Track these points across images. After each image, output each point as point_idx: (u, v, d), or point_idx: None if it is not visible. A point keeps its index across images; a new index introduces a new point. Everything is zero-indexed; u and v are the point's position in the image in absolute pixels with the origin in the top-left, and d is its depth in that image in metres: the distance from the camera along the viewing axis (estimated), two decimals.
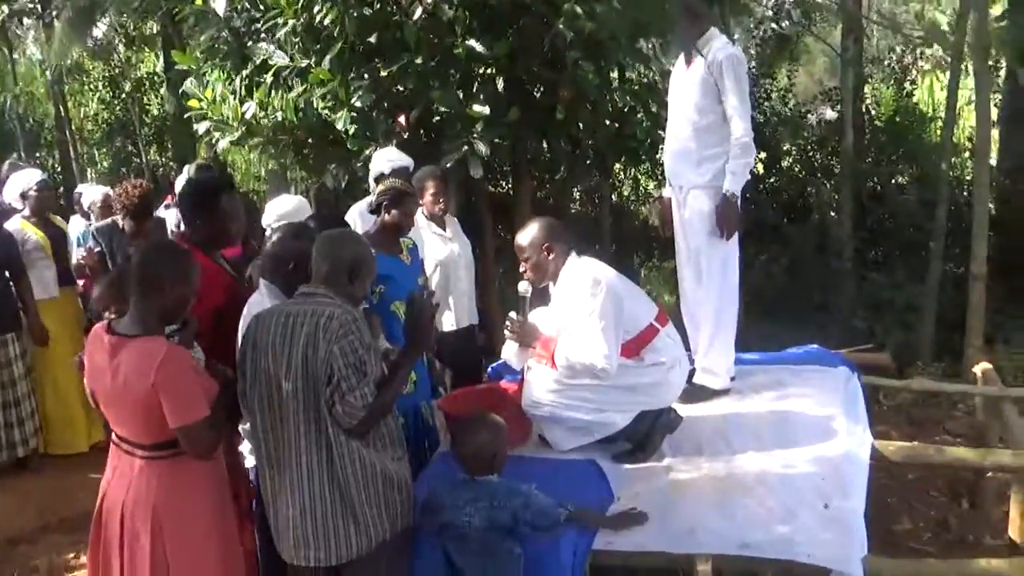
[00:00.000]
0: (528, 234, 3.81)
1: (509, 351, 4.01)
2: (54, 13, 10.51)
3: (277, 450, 2.79)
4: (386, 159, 4.95)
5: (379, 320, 3.16)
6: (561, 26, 5.26)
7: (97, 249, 5.72)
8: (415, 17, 5.27)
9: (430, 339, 3.02)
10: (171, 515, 2.79)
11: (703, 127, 4.30)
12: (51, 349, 5.89)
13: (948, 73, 9.92)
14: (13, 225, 5.83)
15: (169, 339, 2.82)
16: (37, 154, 12.83)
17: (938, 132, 9.84)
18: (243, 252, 6.42)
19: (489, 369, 5.12)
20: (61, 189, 8.29)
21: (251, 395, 2.82)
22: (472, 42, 5.38)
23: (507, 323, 3.89)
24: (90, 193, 6.65)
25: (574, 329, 3.68)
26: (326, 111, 5.86)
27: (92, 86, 12.64)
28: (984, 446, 5.43)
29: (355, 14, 5.36)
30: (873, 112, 9.97)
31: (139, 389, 2.66)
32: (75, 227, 6.61)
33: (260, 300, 3.16)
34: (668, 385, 3.77)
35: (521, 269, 3.86)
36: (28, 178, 6.02)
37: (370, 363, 2.74)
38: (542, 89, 6.12)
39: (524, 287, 3.84)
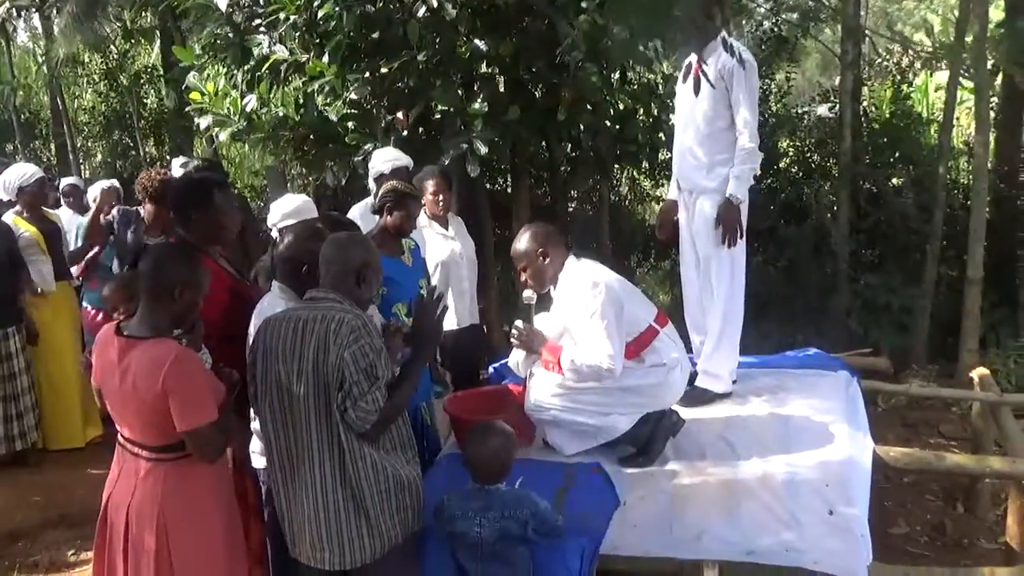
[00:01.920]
0: (522, 243, 3.81)
1: (516, 359, 4.01)
2: (55, 7, 10.47)
3: (289, 453, 2.80)
4: (385, 159, 4.92)
5: (401, 334, 3.15)
6: (566, 28, 5.26)
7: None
8: (419, 15, 5.26)
9: (438, 340, 3.03)
10: (177, 518, 2.78)
11: (712, 133, 4.32)
12: (47, 343, 5.89)
13: (943, 75, 9.99)
14: (5, 220, 5.81)
15: (177, 342, 2.82)
16: (32, 146, 12.77)
17: (934, 135, 9.87)
18: (242, 246, 6.48)
19: (491, 369, 5.13)
20: (57, 182, 8.23)
21: (262, 399, 2.83)
22: (476, 42, 5.38)
23: (513, 332, 3.90)
24: (92, 190, 6.62)
25: (576, 332, 3.68)
26: (324, 106, 5.86)
27: (89, 78, 12.57)
28: (980, 450, 5.48)
29: (357, 11, 5.35)
30: (870, 114, 9.97)
31: (148, 391, 2.66)
32: (68, 221, 6.55)
33: (273, 302, 3.16)
34: (670, 386, 3.78)
35: (522, 279, 3.85)
36: (25, 173, 5.96)
37: (380, 367, 2.74)
38: (544, 90, 6.13)
39: (528, 295, 3.84)
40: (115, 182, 6.66)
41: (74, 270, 6.07)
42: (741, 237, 4.38)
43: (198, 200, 3.43)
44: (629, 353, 3.68)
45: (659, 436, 3.80)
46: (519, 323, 3.89)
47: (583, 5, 5.35)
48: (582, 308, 3.64)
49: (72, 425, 6.03)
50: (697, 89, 4.15)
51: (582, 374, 3.64)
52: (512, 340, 3.92)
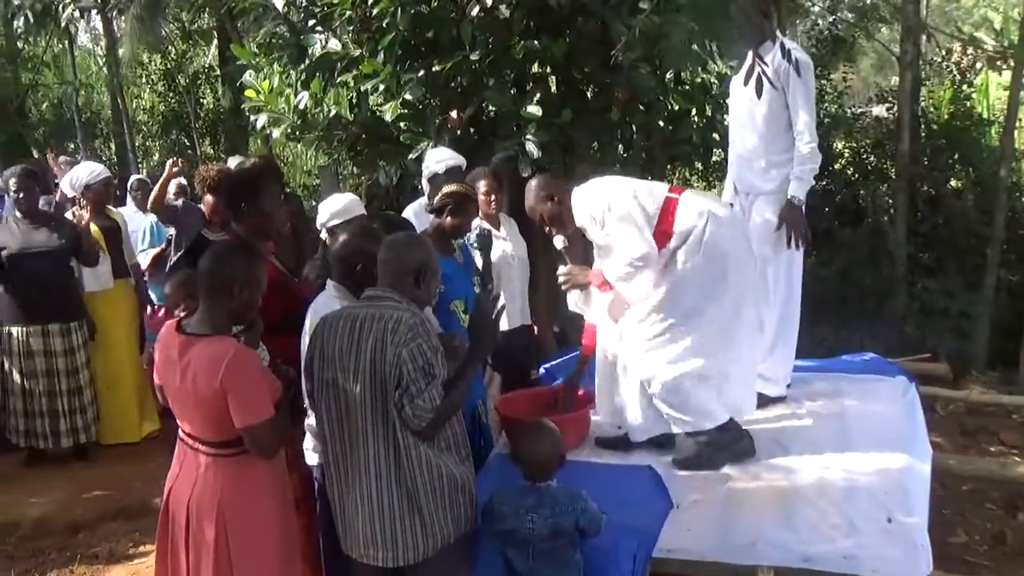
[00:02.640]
0: (528, 199, 3.94)
1: (573, 300, 4.10)
2: (117, 7, 10.70)
3: (344, 451, 2.82)
4: (439, 159, 4.92)
5: (463, 344, 3.18)
6: (620, 28, 5.23)
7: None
8: (472, 14, 5.27)
9: (495, 341, 3.03)
10: (235, 512, 2.82)
11: (770, 134, 4.30)
12: (104, 340, 6.00)
13: (1005, 75, 9.77)
14: (68, 217, 5.95)
15: (236, 339, 2.86)
16: (93, 144, 13.06)
17: (995, 136, 9.66)
18: (295, 246, 6.54)
19: (541, 370, 5.13)
20: (117, 180, 8.42)
21: (318, 397, 2.85)
22: (529, 42, 5.37)
23: (559, 278, 3.98)
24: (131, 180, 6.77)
25: (607, 243, 3.75)
26: (378, 106, 5.89)
27: (148, 79, 12.81)
28: None
29: (411, 10, 5.38)
30: (929, 115, 9.79)
31: (207, 388, 2.70)
32: (132, 219, 6.68)
33: (328, 301, 3.18)
34: (716, 246, 3.69)
35: (546, 231, 3.98)
36: (93, 171, 6.10)
37: (437, 365, 2.75)
38: (596, 89, 6.10)
39: (559, 241, 3.96)
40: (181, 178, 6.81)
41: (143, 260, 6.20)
42: (806, 240, 4.34)
43: (247, 191, 3.48)
44: (660, 238, 3.70)
45: (722, 457, 3.75)
46: (561, 268, 3.98)
47: (641, 5, 5.32)
48: (600, 218, 3.73)
49: (128, 420, 6.14)
50: (760, 91, 4.12)
51: (627, 274, 3.69)
52: (563, 287, 4.00)
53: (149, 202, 5.91)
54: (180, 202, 5.99)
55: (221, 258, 2.86)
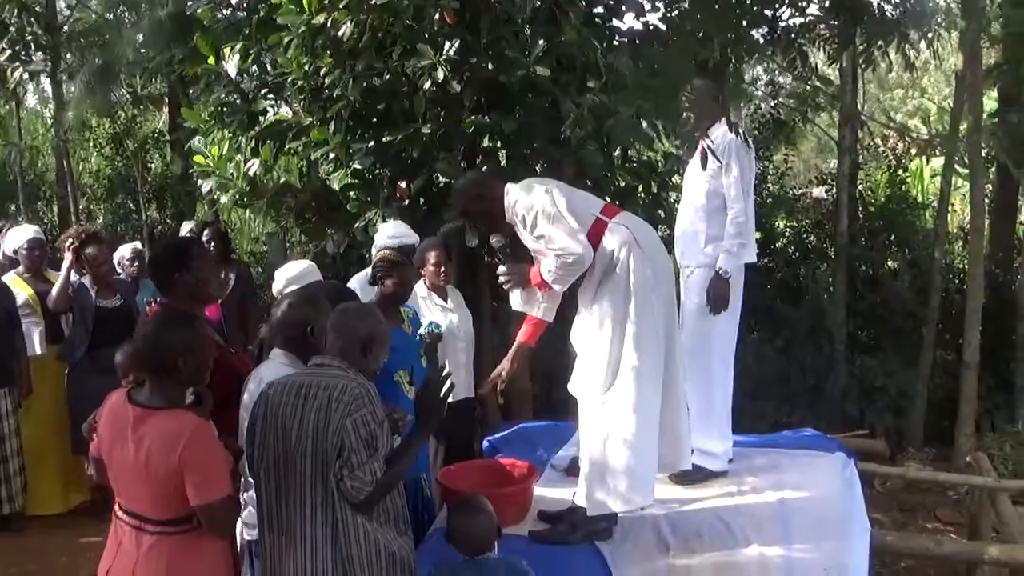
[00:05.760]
0: (459, 199, 3.89)
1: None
2: (66, 73, 10.69)
3: (281, 521, 2.75)
4: (390, 235, 4.94)
5: (405, 416, 3.16)
6: (569, 106, 5.36)
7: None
8: (424, 88, 5.35)
9: (440, 419, 3.00)
10: None
11: (712, 209, 4.43)
12: (32, 406, 5.84)
13: (938, 160, 10.17)
14: (6, 280, 5.84)
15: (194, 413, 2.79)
16: (34, 207, 12.86)
17: (930, 219, 10.00)
18: (240, 314, 6.47)
19: (485, 443, 5.10)
20: (56, 243, 8.28)
21: (258, 464, 2.79)
22: (480, 116, 5.46)
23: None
24: (121, 250, 6.63)
25: (537, 244, 3.68)
26: (327, 174, 5.92)
27: (96, 142, 12.71)
28: (977, 536, 5.43)
29: (363, 83, 5.44)
30: (867, 197, 10.12)
31: (163, 464, 2.62)
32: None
33: (275, 368, 3.15)
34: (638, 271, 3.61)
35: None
36: (21, 236, 6.04)
37: (381, 438, 2.72)
38: (545, 165, 6.20)
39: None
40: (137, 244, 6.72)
41: None
42: (725, 309, 4.39)
43: (176, 262, 3.44)
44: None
45: (576, 536, 3.65)
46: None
47: (589, 85, 5.47)
48: (529, 219, 3.63)
49: (53, 491, 5.95)
50: (704, 163, 4.24)
51: (558, 273, 3.60)
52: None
53: (55, 300, 5.78)
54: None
55: (157, 334, 2.77)
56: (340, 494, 2.67)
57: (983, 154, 8.55)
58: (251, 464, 2.85)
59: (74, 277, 5.79)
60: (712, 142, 4.33)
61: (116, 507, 2.83)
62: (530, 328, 4.03)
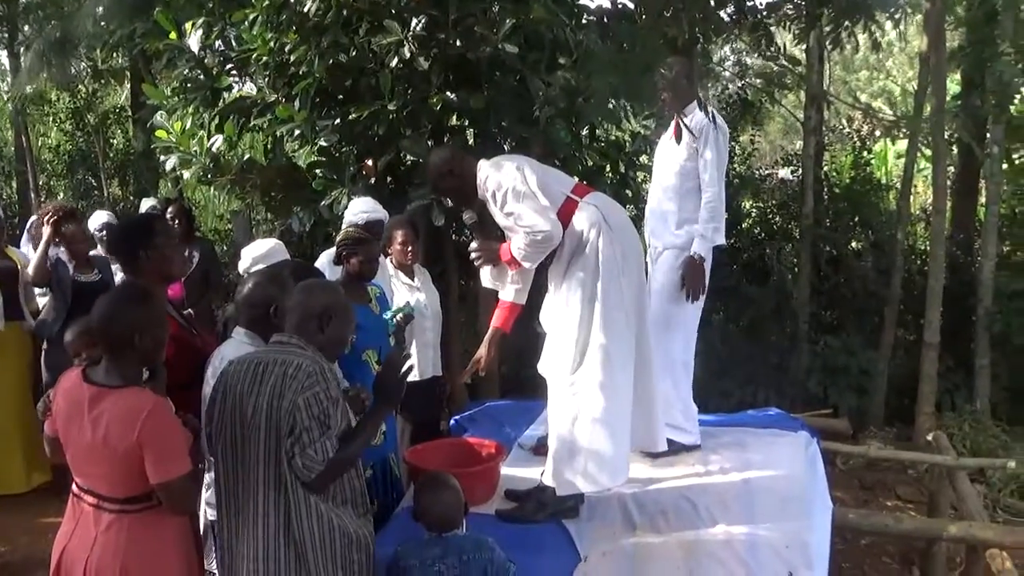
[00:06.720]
0: (431, 173, 3.85)
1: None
2: (24, 45, 10.44)
3: (238, 499, 2.72)
4: (358, 211, 4.87)
5: (370, 396, 3.14)
6: (538, 84, 5.33)
7: None
8: (391, 65, 5.30)
9: (399, 399, 2.99)
10: (140, 571, 2.69)
11: (685, 191, 4.44)
12: None
13: (902, 143, 10.26)
14: None
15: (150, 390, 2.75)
16: None
17: (893, 201, 10.11)
18: (203, 292, 6.40)
19: (451, 422, 5.10)
20: (16, 219, 8.12)
21: (215, 441, 2.76)
22: (447, 94, 5.42)
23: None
24: (98, 217, 6.51)
25: (507, 221, 3.65)
26: (293, 152, 5.85)
27: (56, 117, 12.46)
28: (936, 513, 5.53)
29: (329, 59, 5.37)
30: (832, 178, 10.20)
31: (121, 442, 2.58)
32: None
33: (236, 347, 3.11)
34: (610, 248, 3.59)
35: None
36: None
37: (334, 417, 2.69)
38: (513, 144, 6.18)
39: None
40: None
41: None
42: (703, 294, 4.44)
43: (139, 239, 3.38)
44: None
45: (542, 514, 3.63)
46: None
47: (560, 62, 5.44)
48: (500, 194, 3.61)
49: (14, 470, 5.86)
50: (679, 138, 4.24)
51: (527, 250, 3.59)
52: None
53: (33, 274, 5.71)
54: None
55: (114, 309, 2.72)
56: (292, 473, 2.63)
57: (946, 136, 8.65)
58: (210, 443, 2.82)
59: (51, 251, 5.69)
60: (688, 122, 4.34)
61: (74, 486, 2.79)
62: (504, 313, 4.02)
